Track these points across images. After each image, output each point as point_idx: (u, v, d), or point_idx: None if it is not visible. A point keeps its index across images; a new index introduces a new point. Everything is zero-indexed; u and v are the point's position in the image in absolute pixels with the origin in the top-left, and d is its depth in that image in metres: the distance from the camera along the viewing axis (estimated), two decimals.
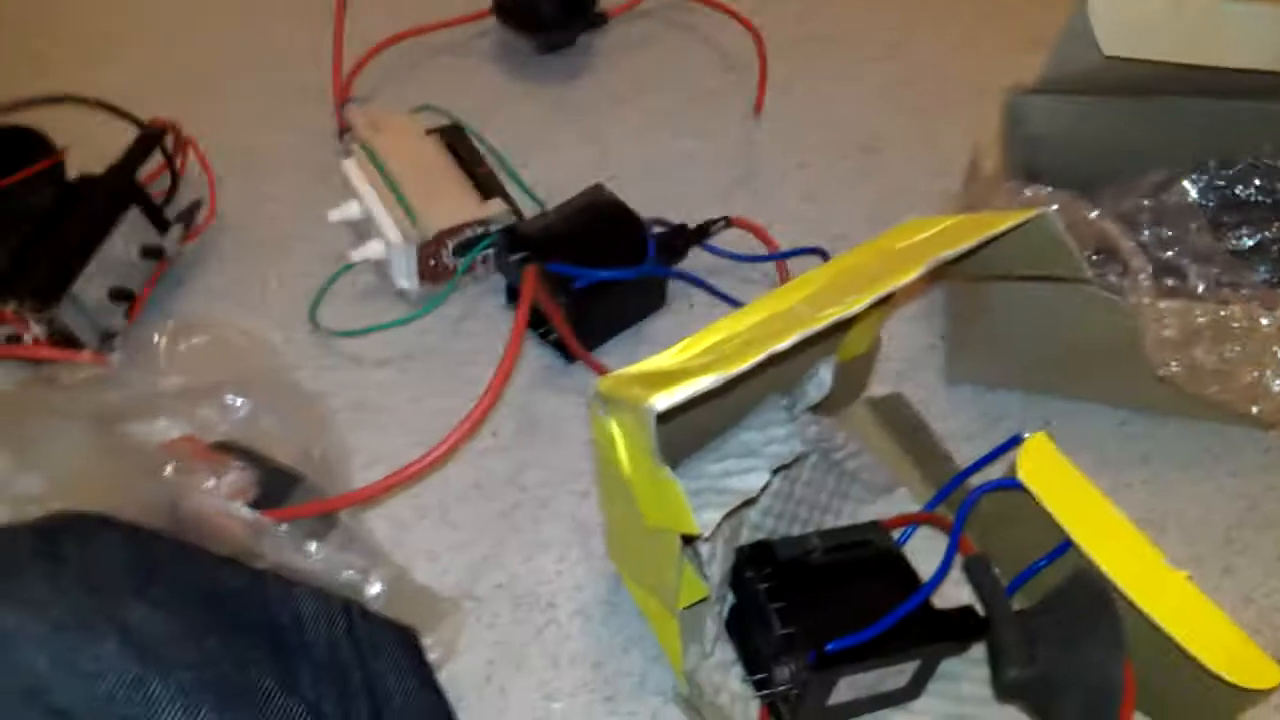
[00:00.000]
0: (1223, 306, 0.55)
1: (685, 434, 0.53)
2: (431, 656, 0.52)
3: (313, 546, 0.52)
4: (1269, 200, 0.62)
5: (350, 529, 0.56)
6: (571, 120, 0.91)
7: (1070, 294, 0.57)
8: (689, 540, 0.49)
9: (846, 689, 0.51)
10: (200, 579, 0.45)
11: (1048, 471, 0.54)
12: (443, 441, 0.55)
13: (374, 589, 0.53)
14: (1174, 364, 0.55)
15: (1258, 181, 0.63)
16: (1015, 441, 0.54)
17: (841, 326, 0.47)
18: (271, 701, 0.41)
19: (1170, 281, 0.59)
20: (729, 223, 0.78)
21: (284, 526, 0.53)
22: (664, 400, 0.41)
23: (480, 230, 0.75)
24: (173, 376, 0.64)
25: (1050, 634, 0.50)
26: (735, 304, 0.75)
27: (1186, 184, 0.62)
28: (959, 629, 0.51)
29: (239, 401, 0.62)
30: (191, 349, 0.65)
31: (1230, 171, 0.63)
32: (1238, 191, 0.63)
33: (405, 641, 0.49)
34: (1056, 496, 0.53)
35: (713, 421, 0.56)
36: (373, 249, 0.74)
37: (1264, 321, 0.54)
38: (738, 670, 0.55)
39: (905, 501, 0.64)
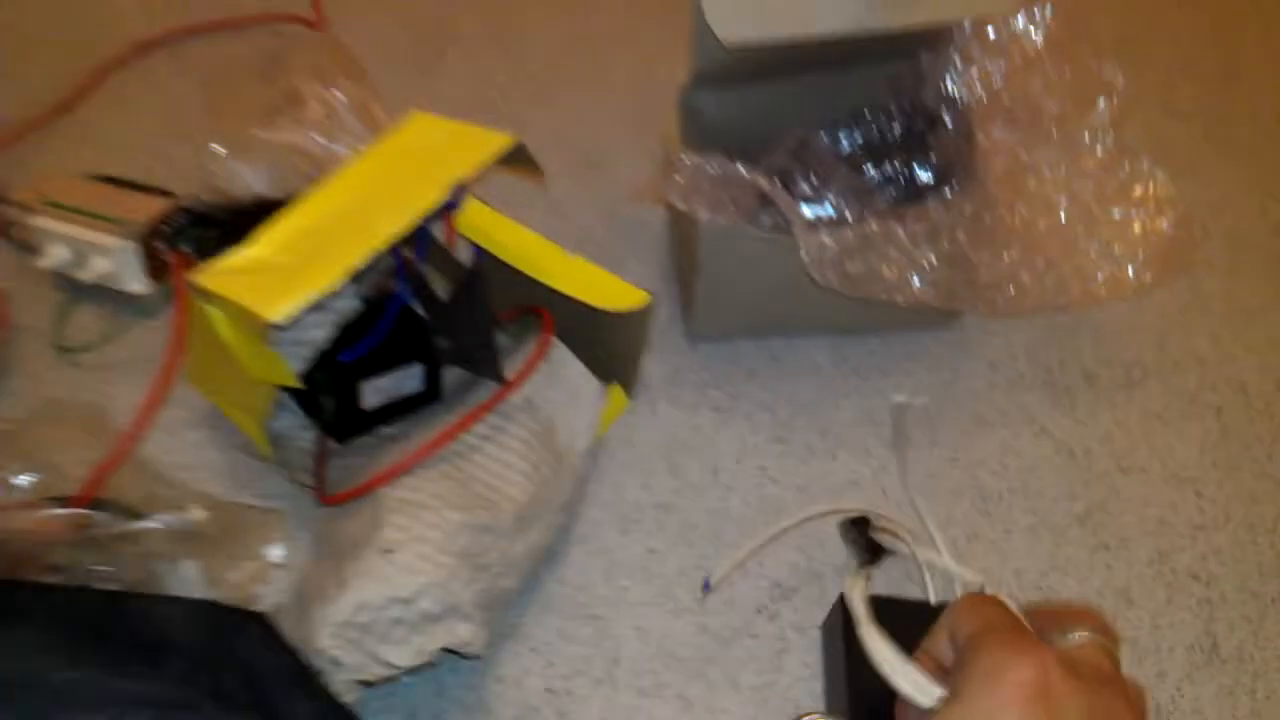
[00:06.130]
0: (863, 225, 0.71)
1: None
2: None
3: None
4: (887, 139, 0.81)
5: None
6: None
7: (745, 240, 0.72)
8: None
9: (372, 394, 0.64)
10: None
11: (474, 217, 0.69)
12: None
13: (198, 515, 0.59)
14: (832, 277, 0.71)
15: (875, 126, 0.81)
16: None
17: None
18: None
19: (822, 214, 0.76)
20: None
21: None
22: (281, 314, 0.52)
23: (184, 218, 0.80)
24: None
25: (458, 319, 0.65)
26: None
27: (823, 135, 0.80)
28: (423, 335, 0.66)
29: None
30: None
31: (856, 122, 0.81)
32: (862, 136, 0.81)
33: (260, 621, 0.52)
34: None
35: None
36: (98, 265, 0.78)
37: (899, 232, 0.71)
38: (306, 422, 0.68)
39: None
